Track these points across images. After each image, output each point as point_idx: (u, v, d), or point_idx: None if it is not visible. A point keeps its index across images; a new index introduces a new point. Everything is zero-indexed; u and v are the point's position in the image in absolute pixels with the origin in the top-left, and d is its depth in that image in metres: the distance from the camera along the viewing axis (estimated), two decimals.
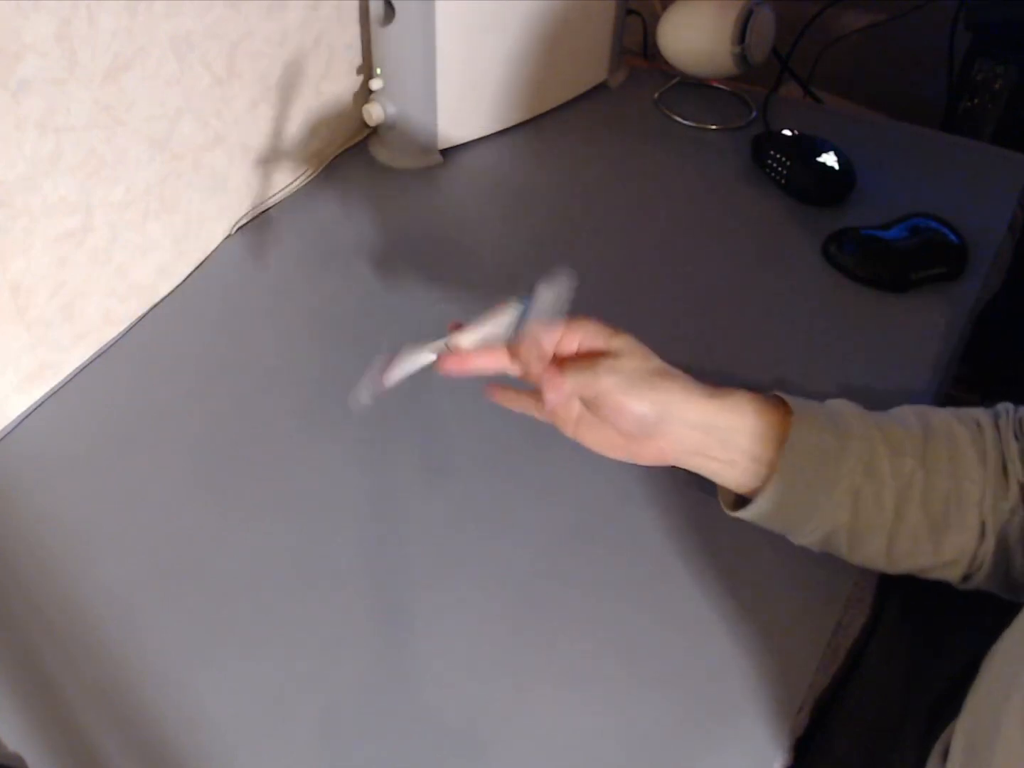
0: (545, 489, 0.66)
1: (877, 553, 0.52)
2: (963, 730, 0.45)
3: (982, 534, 0.49)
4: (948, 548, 0.50)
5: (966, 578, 0.51)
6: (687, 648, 0.57)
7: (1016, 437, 0.51)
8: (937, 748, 0.48)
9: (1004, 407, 0.54)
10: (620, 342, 0.51)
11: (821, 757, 0.55)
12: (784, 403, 0.53)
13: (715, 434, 0.51)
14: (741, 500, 0.54)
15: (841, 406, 0.54)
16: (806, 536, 0.53)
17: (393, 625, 0.59)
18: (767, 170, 0.94)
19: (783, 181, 0.92)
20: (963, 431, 0.52)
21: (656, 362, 0.52)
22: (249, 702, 0.55)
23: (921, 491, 0.50)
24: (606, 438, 0.54)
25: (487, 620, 0.59)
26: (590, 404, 0.52)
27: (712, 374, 0.75)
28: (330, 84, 0.93)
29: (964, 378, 0.91)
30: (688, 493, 0.65)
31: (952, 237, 0.83)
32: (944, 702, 0.52)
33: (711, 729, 0.54)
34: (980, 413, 0.54)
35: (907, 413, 0.54)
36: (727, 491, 0.56)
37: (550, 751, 0.53)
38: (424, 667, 0.57)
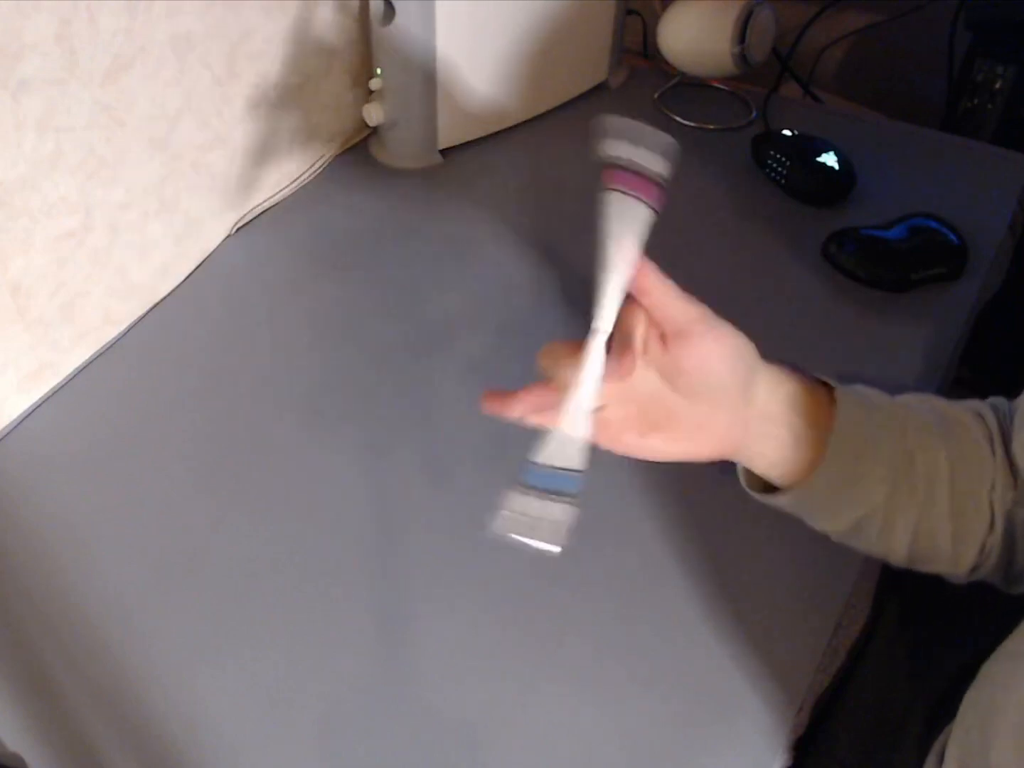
0: None
1: (901, 542, 0.50)
2: (956, 741, 0.45)
3: (992, 523, 0.49)
4: (965, 535, 0.50)
5: (974, 569, 0.51)
6: (687, 648, 0.57)
7: (1017, 430, 0.51)
8: (935, 749, 0.49)
9: (998, 400, 0.54)
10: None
11: (821, 757, 0.55)
12: (815, 379, 0.51)
13: (785, 409, 0.49)
14: (768, 485, 0.52)
15: (865, 390, 0.53)
16: (841, 518, 0.50)
17: (393, 625, 0.59)
18: (767, 170, 0.94)
19: (783, 181, 0.92)
20: (971, 420, 0.51)
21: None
22: (249, 702, 0.55)
23: (948, 475, 0.49)
24: (665, 434, 0.49)
25: (487, 620, 0.59)
26: (668, 366, 0.46)
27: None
28: (330, 84, 0.93)
29: (964, 378, 0.91)
30: (688, 494, 0.65)
31: (952, 237, 0.83)
32: (943, 703, 0.52)
33: (711, 729, 0.54)
34: (977, 403, 0.53)
35: (914, 399, 0.53)
36: (754, 476, 0.53)
37: (550, 751, 0.53)
38: (424, 667, 0.57)
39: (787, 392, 0.49)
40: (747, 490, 0.54)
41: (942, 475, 0.49)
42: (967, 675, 0.47)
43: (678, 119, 1.04)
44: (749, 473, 0.53)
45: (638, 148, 0.44)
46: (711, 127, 1.03)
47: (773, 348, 0.77)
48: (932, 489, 0.49)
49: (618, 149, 0.44)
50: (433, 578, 0.61)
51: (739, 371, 0.47)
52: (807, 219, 0.90)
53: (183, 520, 0.65)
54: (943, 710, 0.50)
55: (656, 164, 0.44)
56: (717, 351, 0.46)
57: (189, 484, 0.67)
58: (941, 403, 0.53)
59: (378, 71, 0.92)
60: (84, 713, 0.55)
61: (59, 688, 0.56)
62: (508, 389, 0.50)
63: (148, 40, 0.71)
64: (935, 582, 0.54)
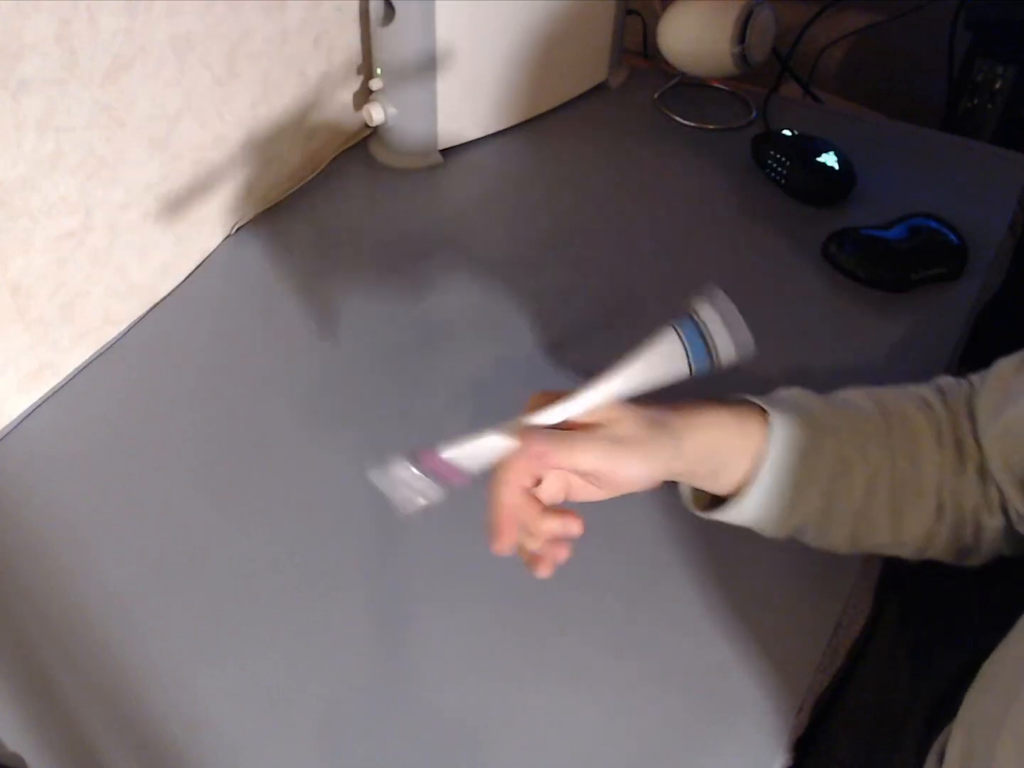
0: None
1: (841, 539, 0.52)
2: (957, 742, 0.45)
3: (940, 515, 0.50)
4: (906, 530, 0.51)
5: (920, 552, 0.52)
6: (687, 648, 0.57)
7: (967, 416, 0.51)
8: (935, 749, 0.48)
9: (946, 382, 0.54)
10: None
11: (821, 757, 0.55)
12: (752, 404, 0.52)
13: (708, 462, 0.51)
14: (712, 500, 0.54)
15: (801, 398, 0.54)
16: (777, 531, 0.53)
17: (393, 625, 0.59)
18: (767, 170, 0.94)
19: (783, 181, 0.92)
20: (916, 412, 0.52)
21: (642, 418, 0.49)
22: (249, 702, 0.55)
23: (889, 477, 0.50)
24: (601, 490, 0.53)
25: (486, 620, 0.59)
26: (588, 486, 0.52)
27: (711, 375, 0.75)
28: (330, 84, 0.93)
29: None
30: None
31: (952, 237, 0.83)
32: (943, 703, 0.52)
33: (711, 729, 0.54)
34: (925, 390, 0.54)
35: (859, 397, 0.54)
36: (698, 493, 0.55)
37: (550, 751, 0.53)
38: (424, 667, 0.57)
39: (705, 444, 0.50)
40: (689, 506, 0.56)
41: (882, 477, 0.50)
42: (967, 675, 0.47)
43: (678, 119, 1.04)
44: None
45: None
46: (711, 127, 1.03)
47: (772, 348, 0.77)
48: (870, 492, 0.50)
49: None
50: (433, 578, 0.61)
51: (656, 468, 0.49)
52: (807, 219, 0.90)
53: (183, 520, 0.65)
54: (943, 710, 0.50)
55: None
56: (630, 478, 0.49)
57: (189, 484, 0.67)
58: (886, 396, 0.54)
59: (378, 71, 0.92)
60: (84, 713, 0.55)
61: (59, 688, 0.56)
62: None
63: (148, 40, 0.71)
64: (935, 582, 0.54)
